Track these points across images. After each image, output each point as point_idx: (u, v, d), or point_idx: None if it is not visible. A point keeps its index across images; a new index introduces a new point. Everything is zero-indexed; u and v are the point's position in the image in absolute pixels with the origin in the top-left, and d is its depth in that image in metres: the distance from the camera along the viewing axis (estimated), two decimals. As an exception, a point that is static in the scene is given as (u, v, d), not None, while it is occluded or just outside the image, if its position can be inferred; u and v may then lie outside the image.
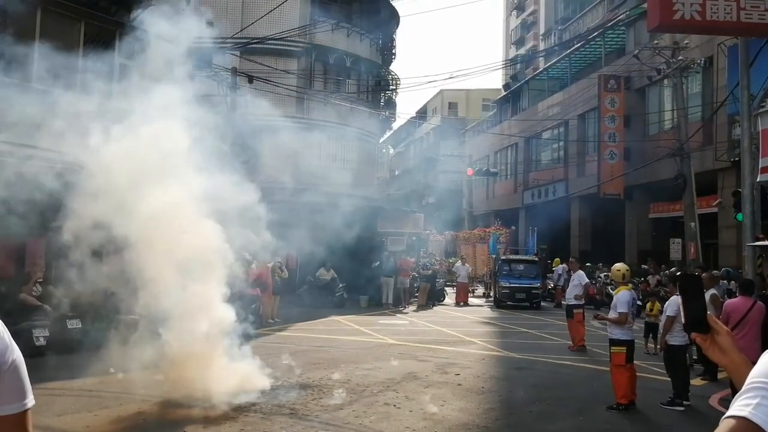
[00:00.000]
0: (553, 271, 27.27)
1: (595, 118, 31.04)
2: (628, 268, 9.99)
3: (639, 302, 15.21)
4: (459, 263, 27.29)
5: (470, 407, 9.09)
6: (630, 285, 10.14)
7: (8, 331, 1.81)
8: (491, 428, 8.12)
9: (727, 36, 18.37)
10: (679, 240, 22.89)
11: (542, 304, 25.71)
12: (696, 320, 1.78)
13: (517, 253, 31.07)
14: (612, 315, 9.46)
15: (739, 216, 12.80)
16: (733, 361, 1.74)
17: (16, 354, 1.80)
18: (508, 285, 25.13)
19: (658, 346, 10.38)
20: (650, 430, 8.33)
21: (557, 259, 26.83)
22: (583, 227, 33.83)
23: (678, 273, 11.37)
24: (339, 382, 10.32)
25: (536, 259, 27.36)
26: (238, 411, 8.40)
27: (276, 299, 18.53)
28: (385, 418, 8.29)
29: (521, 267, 25.99)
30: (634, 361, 9.51)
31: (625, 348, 9.24)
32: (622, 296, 9.43)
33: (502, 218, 38.26)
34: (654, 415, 9.06)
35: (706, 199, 22.95)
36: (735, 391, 1.43)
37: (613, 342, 9.34)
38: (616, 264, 10.11)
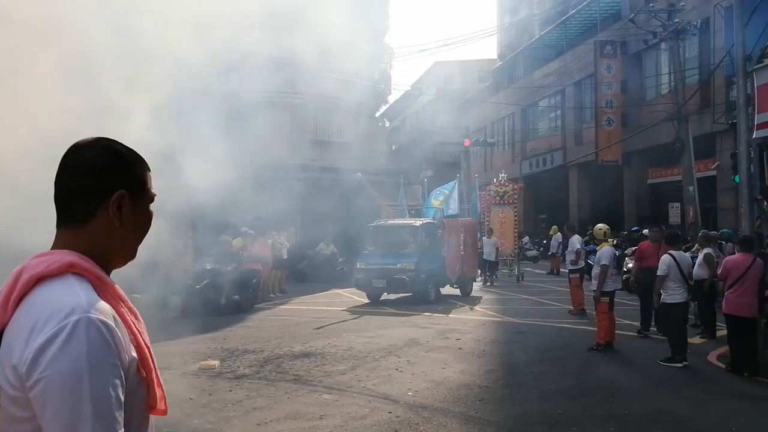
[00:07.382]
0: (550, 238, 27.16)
1: (592, 85, 30.94)
2: (608, 227, 11.58)
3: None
4: (485, 237, 22.03)
5: (471, 369, 9.21)
6: (611, 241, 11.76)
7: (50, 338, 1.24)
8: (492, 388, 8.23)
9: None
10: (678, 204, 22.96)
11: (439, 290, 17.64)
12: None
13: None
14: (595, 269, 10.80)
15: (737, 178, 12.81)
16: None
17: (49, 372, 1.21)
18: (364, 266, 17.10)
19: (654, 306, 10.52)
20: (647, 385, 8.43)
21: (554, 227, 26.84)
22: (581, 195, 33.90)
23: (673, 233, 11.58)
24: (341, 350, 10.45)
25: (416, 224, 17.99)
26: (242, 378, 8.52)
27: (281, 273, 18.65)
28: (388, 381, 8.41)
29: (395, 238, 17.91)
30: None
31: (608, 298, 10.61)
32: (605, 251, 10.82)
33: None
34: (652, 372, 9.17)
35: (704, 163, 22.97)
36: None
37: (602, 293, 10.60)
38: (598, 224, 11.73)
